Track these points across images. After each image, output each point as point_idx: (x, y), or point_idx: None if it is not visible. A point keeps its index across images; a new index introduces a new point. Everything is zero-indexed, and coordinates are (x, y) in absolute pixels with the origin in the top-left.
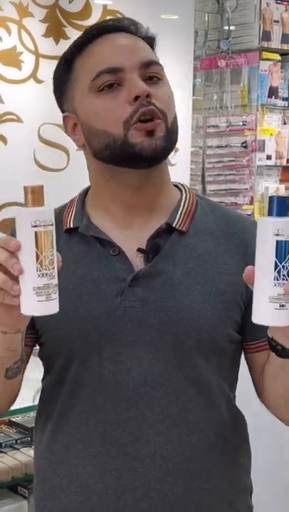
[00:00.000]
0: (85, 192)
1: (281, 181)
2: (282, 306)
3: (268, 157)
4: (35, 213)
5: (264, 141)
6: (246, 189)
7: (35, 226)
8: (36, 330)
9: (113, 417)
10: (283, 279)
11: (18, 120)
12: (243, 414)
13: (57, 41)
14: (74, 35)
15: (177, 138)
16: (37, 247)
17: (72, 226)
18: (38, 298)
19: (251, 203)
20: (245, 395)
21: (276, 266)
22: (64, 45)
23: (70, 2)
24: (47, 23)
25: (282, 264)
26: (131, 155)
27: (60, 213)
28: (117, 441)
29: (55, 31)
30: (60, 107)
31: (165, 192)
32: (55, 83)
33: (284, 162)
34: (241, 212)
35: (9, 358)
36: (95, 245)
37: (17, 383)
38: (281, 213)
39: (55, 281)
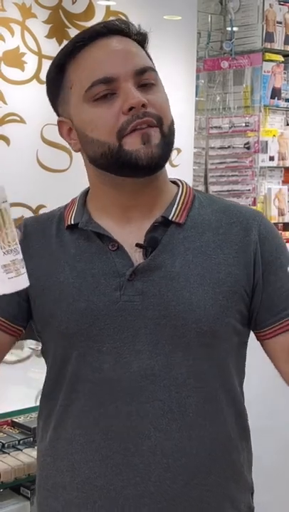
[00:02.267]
0: (86, 191)
1: (284, 182)
2: None
3: (271, 158)
4: None
5: (267, 142)
6: (249, 190)
7: None
8: (36, 326)
9: (114, 411)
10: None
11: (21, 121)
12: (245, 410)
13: (60, 42)
14: None
15: (173, 143)
16: None
17: (73, 222)
18: (8, 275)
19: (254, 204)
20: (247, 395)
21: None
22: None
23: (73, 3)
24: (50, 24)
25: None
26: (127, 164)
27: (62, 211)
28: (117, 436)
29: (58, 32)
30: (54, 109)
31: (162, 190)
32: (47, 86)
33: (287, 163)
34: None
35: None
36: (95, 240)
37: None
38: None
39: (21, 256)
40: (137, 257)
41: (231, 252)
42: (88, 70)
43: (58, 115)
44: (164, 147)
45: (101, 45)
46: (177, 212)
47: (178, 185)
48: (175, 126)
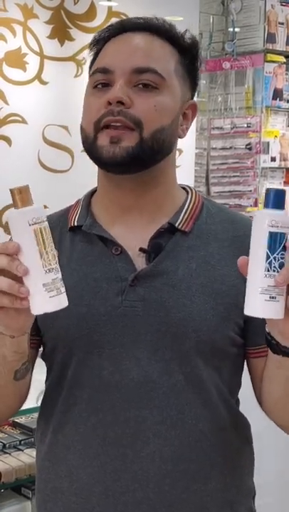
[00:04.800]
0: (92, 192)
1: (285, 183)
2: (273, 297)
3: (272, 159)
4: (29, 212)
5: (268, 143)
6: (250, 191)
7: (33, 224)
8: (39, 329)
9: (112, 417)
10: (274, 271)
11: (23, 121)
12: (245, 417)
13: (62, 43)
14: (79, 36)
15: (159, 150)
16: (38, 244)
17: (76, 224)
18: (49, 294)
19: (255, 204)
20: (250, 398)
21: (268, 257)
22: (69, 47)
23: (75, 4)
24: (52, 24)
25: (274, 255)
26: (94, 156)
27: (65, 213)
28: (116, 442)
29: (59, 33)
30: None
31: (168, 195)
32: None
33: (288, 164)
34: (246, 214)
35: (18, 361)
36: (98, 244)
37: (25, 384)
38: (277, 206)
39: (60, 275)
40: (140, 262)
41: (235, 265)
42: (98, 59)
43: None
44: (139, 151)
45: (124, 38)
46: (184, 219)
47: (187, 192)
48: None
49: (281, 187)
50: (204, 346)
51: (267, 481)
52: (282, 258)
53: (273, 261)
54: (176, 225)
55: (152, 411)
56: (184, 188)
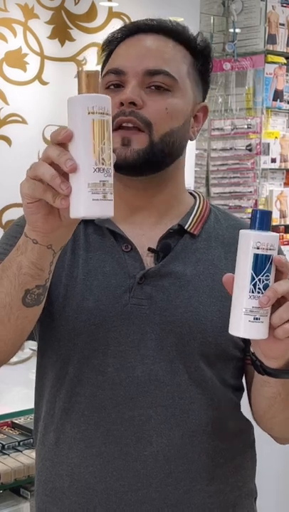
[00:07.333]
0: None
1: (285, 184)
2: (257, 319)
3: (273, 160)
4: (92, 99)
5: (269, 144)
6: (250, 192)
7: (92, 113)
8: (39, 322)
9: (116, 415)
10: (258, 292)
11: (23, 121)
12: (248, 419)
13: (62, 43)
14: (79, 37)
15: (169, 153)
16: (93, 137)
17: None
18: (92, 196)
19: (255, 206)
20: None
21: (252, 279)
22: (69, 47)
23: (75, 4)
24: (52, 24)
25: (259, 277)
26: None
27: None
28: (119, 440)
29: (60, 33)
30: None
31: (177, 197)
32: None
33: None
34: (246, 216)
35: (33, 277)
36: (109, 238)
37: (30, 320)
38: (262, 227)
39: (112, 180)
40: (148, 261)
41: None
42: (111, 60)
43: None
44: (149, 154)
45: (137, 40)
46: (193, 222)
47: (194, 197)
48: None
49: (268, 209)
50: (209, 347)
51: (268, 482)
52: (266, 280)
53: (258, 282)
54: (186, 227)
55: (156, 410)
56: (191, 194)
